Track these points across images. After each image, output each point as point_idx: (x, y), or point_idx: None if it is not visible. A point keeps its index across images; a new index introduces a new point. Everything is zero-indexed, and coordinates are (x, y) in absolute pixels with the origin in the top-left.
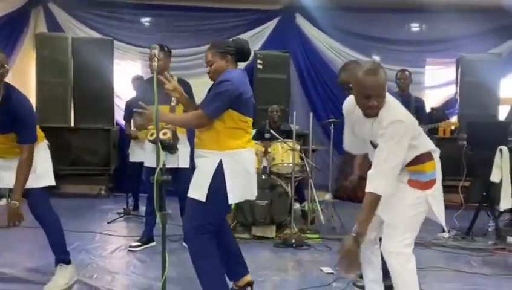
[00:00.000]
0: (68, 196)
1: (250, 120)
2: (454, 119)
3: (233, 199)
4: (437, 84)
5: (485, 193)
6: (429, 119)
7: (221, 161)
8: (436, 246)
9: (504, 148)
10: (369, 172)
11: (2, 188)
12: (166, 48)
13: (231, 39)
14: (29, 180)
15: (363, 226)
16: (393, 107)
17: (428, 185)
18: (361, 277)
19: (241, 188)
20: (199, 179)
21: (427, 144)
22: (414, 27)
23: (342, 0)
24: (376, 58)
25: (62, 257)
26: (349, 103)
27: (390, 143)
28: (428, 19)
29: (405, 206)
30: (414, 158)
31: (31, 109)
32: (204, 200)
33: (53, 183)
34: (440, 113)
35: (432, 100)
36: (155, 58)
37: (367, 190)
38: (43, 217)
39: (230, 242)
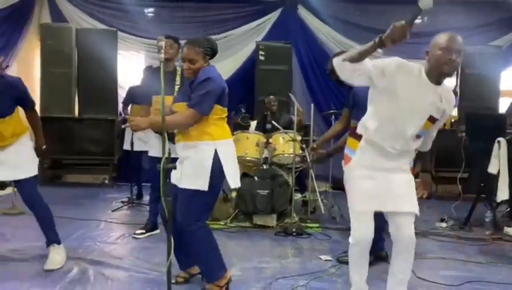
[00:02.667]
0: (72, 185)
1: (226, 110)
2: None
3: (234, 183)
4: None
5: (482, 184)
6: None
7: (216, 150)
8: (432, 235)
9: (502, 140)
10: None
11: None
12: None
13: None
14: (19, 172)
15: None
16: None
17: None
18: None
19: (236, 174)
20: (197, 170)
21: None
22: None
23: None
24: (378, 49)
25: (53, 238)
26: (403, 67)
27: None
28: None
29: (415, 192)
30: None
31: (20, 80)
32: (206, 189)
33: (37, 172)
34: None
35: None
36: (162, 50)
37: None
38: (35, 203)
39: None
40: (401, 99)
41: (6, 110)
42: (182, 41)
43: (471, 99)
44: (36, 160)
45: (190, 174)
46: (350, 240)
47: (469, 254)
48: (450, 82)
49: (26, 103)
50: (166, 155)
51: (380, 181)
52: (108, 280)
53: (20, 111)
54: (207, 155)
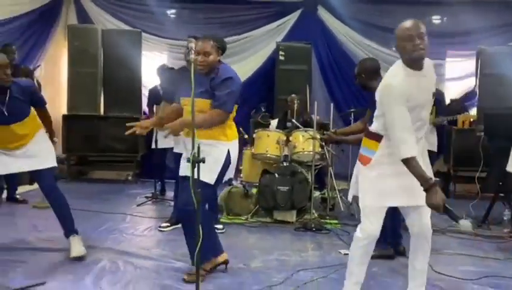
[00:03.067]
0: (97, 181)
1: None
2: (473, 111)
3: (228, 176)
4: (457, 76)
5: (501, 183)
6: (448, 111)
7: (228, 151)
8: (450, 232)
9: None
10: None
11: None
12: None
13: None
14: (39, 163)
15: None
16: None
17: None
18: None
19: (233, 168)
20: (210, 166)
21: None
22: (435, 19)
23: None
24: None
25: (72, 228)
26: (402, 89)
27: None
28: (449, 11)
29: None
30: None
31: (32, 83)
32: (213, 183)
33: (55, 164)
34: (460, 105)
35: (452, 92)
36: (193, 51)
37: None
38: (53, 194)
39: None
40: (418, 103)
41: (24, 113)
42: None
43: (490, 99)
44: (54, 153)
45: (202, 167)
46: (360, 234)
47: (487, 250)
48: (469, 82)
49: (38, 103)
50: (196, 149)
51: (403, 178)
52: (136, 269)
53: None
54: (222, 155)
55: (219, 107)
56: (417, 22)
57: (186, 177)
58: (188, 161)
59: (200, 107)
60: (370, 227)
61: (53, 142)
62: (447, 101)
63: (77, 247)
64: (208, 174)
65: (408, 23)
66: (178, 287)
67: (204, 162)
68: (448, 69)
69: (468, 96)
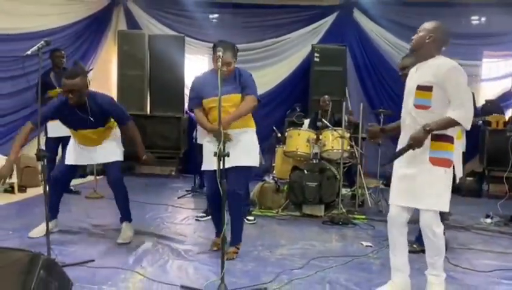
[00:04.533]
0: (143, 175)
1: None
2: (510, 112)
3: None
4: (494, 76)
5: None
6: (482, 112)
7: (255, 136)
8: (475, 229)
9: None
10: None
11: (89, 166)
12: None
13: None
14: (109, 156)
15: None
16: None
17: None
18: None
19: None
20: (251, 151)
21: None
22: (472, 20)
23: None
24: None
25: (127, 215)
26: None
27: None
28: (485, 12)
29: None
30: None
31: (112, 99)
32: (258, 165)
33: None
34: (495, 105)
35: (488, 93)
36: (220, 59)
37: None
38: (118, 185)
39: None
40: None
41: (98, 124)
42: (244, 45)
43: None
44: (122, 149)
45: (245, 153)
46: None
47: (507, 246)
48: (506, 83)
49: (119, 120)
50: (222, 144)
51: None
52: (173, 252)
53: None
54: (255, 139)
55: (254, 94)
56: (427, 22)
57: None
58: (219, 154)
59: (234, 102)
60: None
61: (142, 160)
62: (482, 102)
63: (126, 233)
64: (252, 158)
65: None
66: (208, 268)
67: (228, 155)
68: (485, 70)
69: (504, 96)
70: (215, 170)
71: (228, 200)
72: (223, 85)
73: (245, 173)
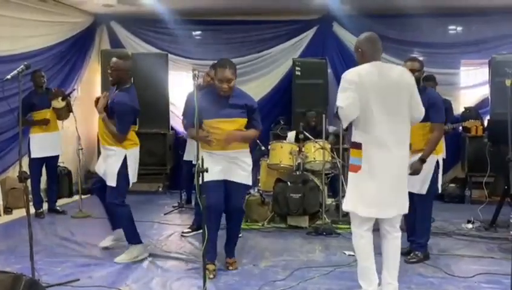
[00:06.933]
0: (131, 192)
1: None
2: (487, 118)
3: None
4: (472, 84)
5: (506, 187)
6: (460, 119)
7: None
8: (456, 235)
9: None
10: None
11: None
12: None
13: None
14: (108, 176)
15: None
16: None
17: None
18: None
19: None
20: (249, 171)
21: None
22: (449, 30)
23: (377, 7)
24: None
25: (128, 238)
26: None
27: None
28: (462, 21)
29: None
30: None
31: (125, 104)
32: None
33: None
34: (474, 112)
35: (467, 100)
36: (196, 78)
37: None
38: (112, 208)
39: None
40: None
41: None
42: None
43: (502, 106)
44: (122, 174)
45: (245, 173)
46: None
47: (487, 251)
48: (483, 90)
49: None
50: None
51: None
52: (158, 268)
53: None
54: (251, 161)
55: (260, 129)
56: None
57: (232, 182)
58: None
59: (240, 124)
60: None
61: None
62: (462, 109)
63: (111, 238)
64: (249, 178)
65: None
66: (193, 283)
67: (207, 171)
68: (463, 78)
69: (483, 103)
70: (219, 181)
71: (233, 216)
72: (227, 106)
73: (245, 191)
